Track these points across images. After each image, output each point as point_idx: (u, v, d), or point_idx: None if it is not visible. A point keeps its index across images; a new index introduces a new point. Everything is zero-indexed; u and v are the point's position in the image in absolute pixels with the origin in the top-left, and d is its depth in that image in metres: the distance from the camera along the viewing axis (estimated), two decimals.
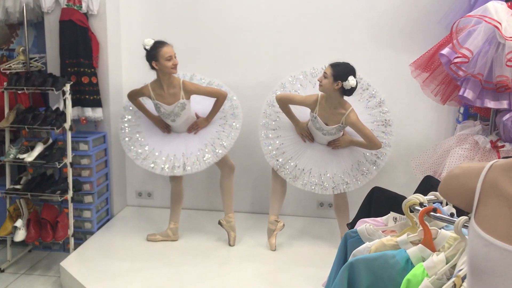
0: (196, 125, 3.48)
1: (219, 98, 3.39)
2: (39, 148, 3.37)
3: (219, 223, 3.57)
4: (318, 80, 3.15)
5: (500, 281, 0.89)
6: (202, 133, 3.47)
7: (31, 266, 3.50)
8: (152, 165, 3.39)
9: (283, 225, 3.49)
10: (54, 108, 3.51)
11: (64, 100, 3.37)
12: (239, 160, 3.81)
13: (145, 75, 3.45)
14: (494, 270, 0.89)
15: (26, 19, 3.62)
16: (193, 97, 3.40)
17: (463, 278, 1.27)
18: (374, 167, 3.35)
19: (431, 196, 1.66)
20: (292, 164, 3.37)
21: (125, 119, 3.55)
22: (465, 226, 1.35)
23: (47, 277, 3.33)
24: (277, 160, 3.39)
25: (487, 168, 0.97)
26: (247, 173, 4.12)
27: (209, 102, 3.45)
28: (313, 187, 3.33)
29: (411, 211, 1.61)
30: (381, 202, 2.00)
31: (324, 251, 3.42)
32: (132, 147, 3.47)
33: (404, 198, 1.64)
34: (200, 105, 3.50)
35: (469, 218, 1.33)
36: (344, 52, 3.73)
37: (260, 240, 3.59)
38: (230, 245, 3.53)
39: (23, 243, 3.52)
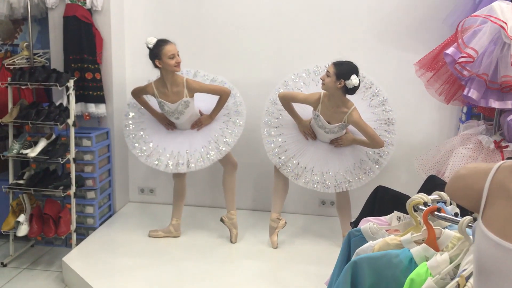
0: (200, 122, 3.48)
1: (223, 96, 3.39)
2: (42, 144, 3.38)
3: (221, 220, 3.58)
4: (321, 79, 3.15)
5: (506, 282, 0.89)
6: (205, 130, 3.48)
7: (33, 261, 3.51)
8: (156, 162, 3.40)
9: (285, 223, 3.49)
10: (57, 103, 3.51)
11: (68, 96, 3.37)
12: (241, 158, 3.81)
13: (149, 72, 3.45)
14: (501, 271, 0.89)
15: (30, 15, 3.63)
16: (197, 95, 3.40)
17: (467, 278, 1.27)
18: (377, 166, 3.35)
19: (435, 195, 1.66)
20: (294, 162, 3.37)
21: (130, 116, 3.56)
22: (469, 226, 1.35)
23: (49, 272, 3.35)
24: (280, 158, 3.39)
25: (495, 169, 0.96)
26: (249, 171, 4.13)
27: (213, 99, 3.44)
28: (315, 185, 3.33)
29: (415, 211, 1.61)
30: (385, 201, 2.00)
31: (326, 249, 3.42)
32: (136, 144, 3.47)
33: (408, 197, 1.64)
34: (204, 102, 3.50)
35: (474, 218, 1.33)
36: (347, 50, 3.74)
37: (262, 238, 3.60)
38: (231, 242, 3.53)
39: (25, 238, 3.53)
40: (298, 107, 3.38)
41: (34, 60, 3.65)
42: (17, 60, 3.63)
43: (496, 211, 0.92)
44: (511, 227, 0.89)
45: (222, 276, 3.07)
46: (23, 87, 3.44)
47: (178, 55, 3.24)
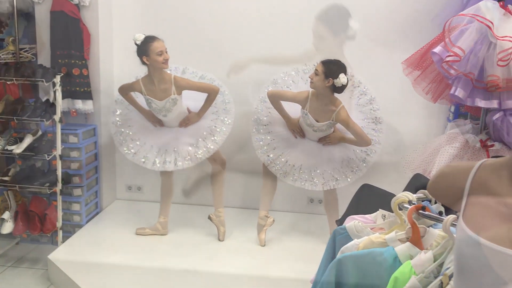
0: (188, 120, 3.46)
1: (211, 94, 3.37)
2: (28, 140, 3.34)
3: (209, 217, 3.57)
4: (310, 77, 3.15)
5: (486, 280, 0.89)
6: (193, 128, 3.46)
7: (19, 259, 3.47)
8: (143, 160, 3.38)
9: (273, 220, 3.49)
10: (44, 99, 3.47)
11: (54, 92, 3.34)
12: (230, 155, 3.79)
13: (137, 68, 3.42)
14: (481, 269, 0.89)
15: (17, 9, 3.58)
16: (185, 92, 3.38)
17: (450, 277, 1.27)
18: (364, 164, 3.36)
19: (420, 194, 1.67)
20: (282, 159, 3.37)
21: (117, 113, 3.53)
22: (453, 225, 1.36)
23: (35, 270, 3.31)
24: (268, 156, 3.39)
25: (476, 167, 0.96)
26: (238, 168, 4.11)
27: (202, 97, 3.43)
28: (303, 183, 3.34)
29: (400, 209, 1.62)
30: (370, 199, 2.01)
31: (314, 247, 3.42)
32: (123, 142, 3.45)
33: (393, 195, 1.65)
34: (192, 100, 3.48)
35: (458, 217, 1.34)
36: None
37: (250, 235, 3.59)
38: (219, 240, 3.52)
39: (10, 236, 3.49)
40: (287, 105, 3.38)
41: (20, 55, 3.60)
42: (2, 55, 3.57)
43: (477, 210, 0.93)
44: (490, 225, 0.89)
45: (210, 274, 3.07)
46: (8, 83, 3.40)
47: (166, 52, 3.22)
